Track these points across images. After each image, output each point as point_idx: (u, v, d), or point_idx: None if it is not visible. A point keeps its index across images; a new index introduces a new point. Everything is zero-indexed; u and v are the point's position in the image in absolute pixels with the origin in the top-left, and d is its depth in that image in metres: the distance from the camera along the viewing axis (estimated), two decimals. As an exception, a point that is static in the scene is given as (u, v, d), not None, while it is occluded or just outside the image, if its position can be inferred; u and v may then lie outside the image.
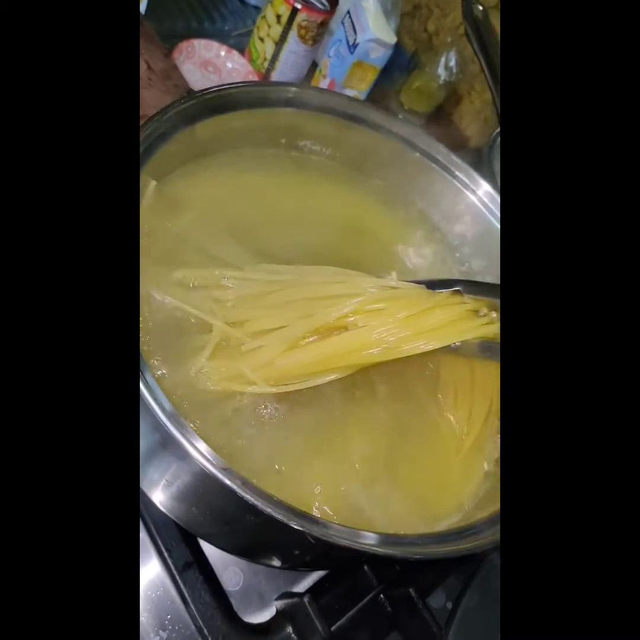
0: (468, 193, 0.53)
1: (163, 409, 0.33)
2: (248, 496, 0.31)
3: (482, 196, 0.53)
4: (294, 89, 0.50)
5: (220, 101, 0.44)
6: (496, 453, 0.46)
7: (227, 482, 0.31)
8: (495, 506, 0.39)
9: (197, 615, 0.45)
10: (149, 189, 0.42)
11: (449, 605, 0.55)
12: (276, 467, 0.40)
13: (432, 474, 0.43)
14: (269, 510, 0.31)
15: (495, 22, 0.83)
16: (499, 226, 0.51)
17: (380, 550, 0.32)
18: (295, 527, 0.31)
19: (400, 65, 0.96)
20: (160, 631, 0.44)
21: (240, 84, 0.45)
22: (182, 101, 0.41)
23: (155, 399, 0.33)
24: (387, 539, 0.33)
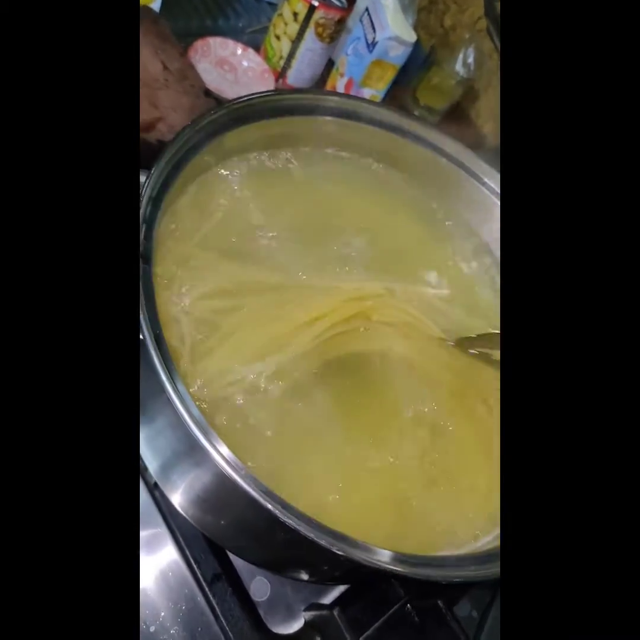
0: (495, 198, 0.53)
1: (198, 424, 0.32)
2: (290, 521, 0.30)
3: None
4: (317, 96, 0.49)
5: (247, 111, 0.44)
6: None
7: (268, 506, 0.30)
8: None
9: (227, 628, 0.45)
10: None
11: (474, 614, 0.55)
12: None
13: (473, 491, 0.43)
14: (311, 535, 0.30)
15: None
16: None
17: (422, 573, 0.32)
18: (338, 552, 0.31)
19: (416, 61, 0.94)
20: (191, 644, 0.44)
21: (270, 94, 0.44)
22: (212, 112, 0.40)
23: (190, 414, 0.32)
24: (430, 560, 0.33)
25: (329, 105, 0.49)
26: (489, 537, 0.40)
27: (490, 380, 0.48)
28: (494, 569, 0.34)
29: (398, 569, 0.31)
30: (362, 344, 0.46)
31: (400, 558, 0.32)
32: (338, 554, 0.31)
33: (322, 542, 0.30)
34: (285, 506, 0.31)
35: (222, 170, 0.47)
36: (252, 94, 0.42)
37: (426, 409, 0.45)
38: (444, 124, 0.97)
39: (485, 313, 0.52)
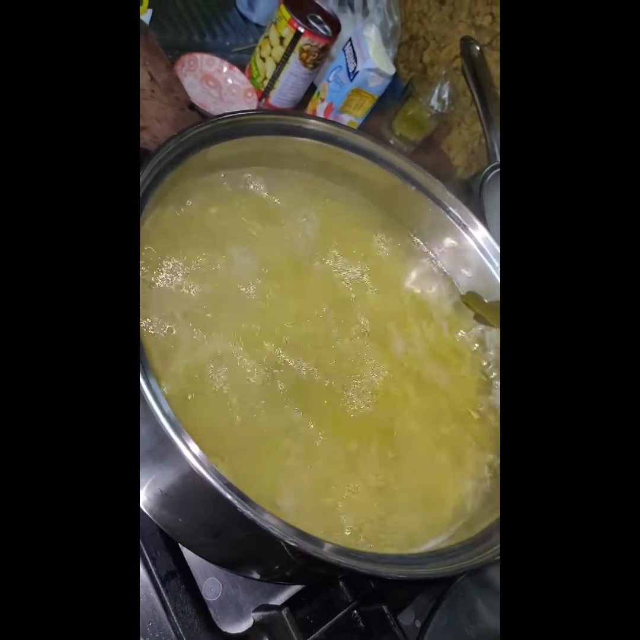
0: (460, 228, 0.56)
1: (167, 417, 0.33)
2: (248, 512, 0.32)
3: (474, 234, 0.56)
4: (298, 118, 0.52)
5: (232, 127, 0.46)
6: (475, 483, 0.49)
7: (228, 496, 0.32)
8: (472, 532, 0.42)
9: (177, 624, 0.46)
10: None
11: (418, 623, 0.57)
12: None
13: (420, 499, 0.45)
14: (266, 526, 0.32)
15: (489, 60, 0.87)
16: (488, 263, 0.55)
17: (370, 568, 0.34)
18: (292, 543, 0.32)
19: (394, 92, 0.99)
20: (142, 638, 0.45)
21: (255, 112, 0.46)
22: (198, 126, 0.42)
23: (158, 403, 0.33)
24: (378, 558, 0.35)
25: (309, 128, 0.51)
26: (438, 540, 0.43)
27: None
28: (434, 569, 0.36)
29: (341, 560, 0.33)
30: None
31: (349, 553, 0.34)
32: (290, 546, 0.33)
33: (277, 533, 0.32)
34: (244, 498, 0.33)
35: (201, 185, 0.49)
36: (239, 111, 0.45)
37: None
38: (417, 154, 1.01)
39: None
